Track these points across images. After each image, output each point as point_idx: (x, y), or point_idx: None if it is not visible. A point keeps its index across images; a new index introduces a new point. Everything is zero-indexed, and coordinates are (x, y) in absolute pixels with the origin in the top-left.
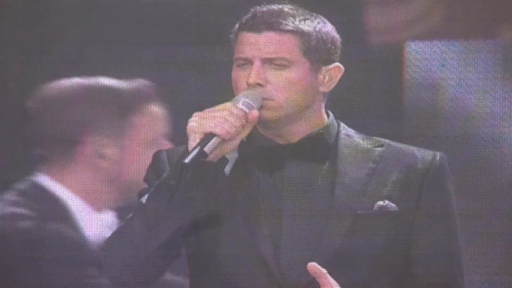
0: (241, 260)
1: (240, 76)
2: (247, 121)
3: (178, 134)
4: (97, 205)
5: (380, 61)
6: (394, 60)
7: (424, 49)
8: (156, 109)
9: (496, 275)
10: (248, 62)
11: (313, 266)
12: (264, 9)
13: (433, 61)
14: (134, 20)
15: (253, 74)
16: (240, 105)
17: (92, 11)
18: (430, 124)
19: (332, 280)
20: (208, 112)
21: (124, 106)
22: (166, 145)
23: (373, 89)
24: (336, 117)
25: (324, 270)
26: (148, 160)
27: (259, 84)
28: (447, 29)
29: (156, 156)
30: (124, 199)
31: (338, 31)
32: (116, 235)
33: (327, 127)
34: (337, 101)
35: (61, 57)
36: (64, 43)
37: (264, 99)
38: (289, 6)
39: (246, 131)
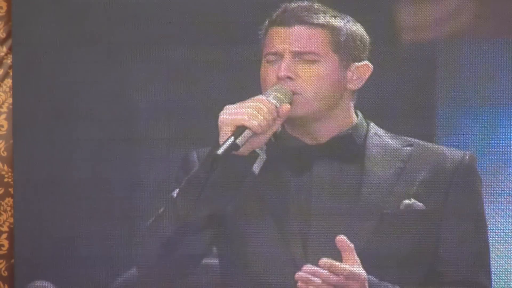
0: (271, 259)
1: (270, 71)
2: (278, 115)
3: (207, 133)
4: None
5: (411, 60)
6: (426, 59)
7: (457, 48)
8: None
9: None
10: (278, 56)
11: (342, 239)
12: (295, 5)
13: (465, 60)
14: (163, 20)
15: (284, 67)
16: (271, 99)
17: (121, 12)
18: (461, 123)
19: (356, 258)
20: (240, 106)
21: None
22: None
23: (404, 88)
24: (367, 116)
25: (352, 245)
26: None
27: (289, 78)
28: (479, 28)
29: (186, 156)
30: None
31: (369, 29)
32: (147, 231)
33: (355, 127)
34: (368, 100)
35: (91, 57)
36: (96, 42)
37: (293, 93)
38: (319, 4)
39: (277, 125)
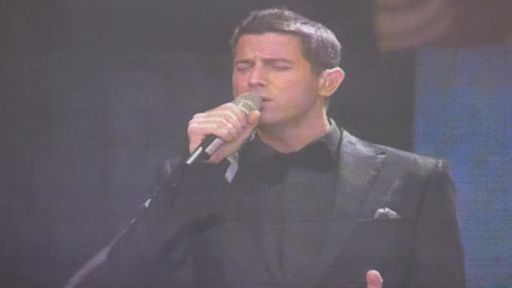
0: (245, 266)
1: (241, 79)
2: (248, 123)
3: (186, 139)
4: None
5: (390, 67)
6: (404, 66)
7: (435, 56)
8: None
9: (506, 280)
10: (250, 64)
11: (374, 273)
12: (265, 12)
13: (444, 68)
14: (142, 26)
15: (255, 74)
16: (240, 107)
17: (100, 15)
18: (439, 130)
19: None
20: (209, 114)
21: None
22: None
23: (383, 95)
24: (345, 124)
25: (381, 280)
26: None
27: (261, 84)
28: (457, 36)
29: (159, 165)
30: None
31: (347, 36)
32: (121, 241)
33: (329, 135)
34: (347, 108)
35: (69, 62)
36: (73, 46)
37: (264, 99)
38: (289, 11)
39: (247, 133)
